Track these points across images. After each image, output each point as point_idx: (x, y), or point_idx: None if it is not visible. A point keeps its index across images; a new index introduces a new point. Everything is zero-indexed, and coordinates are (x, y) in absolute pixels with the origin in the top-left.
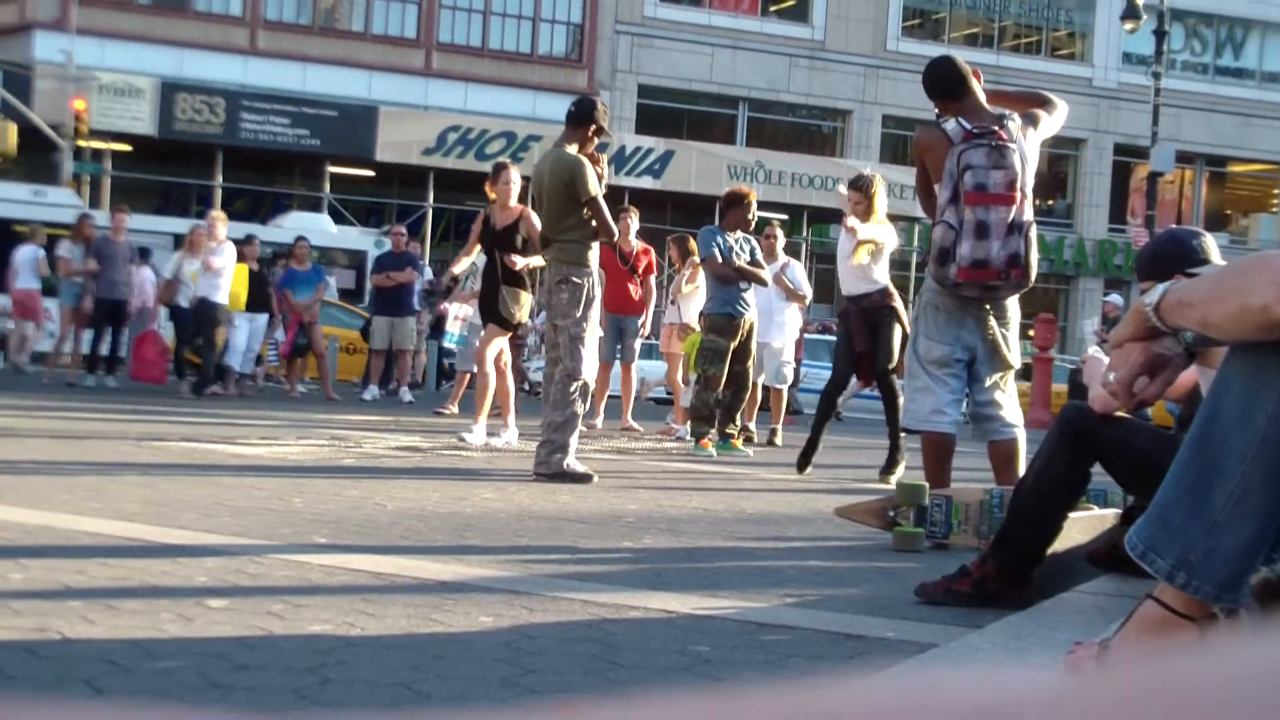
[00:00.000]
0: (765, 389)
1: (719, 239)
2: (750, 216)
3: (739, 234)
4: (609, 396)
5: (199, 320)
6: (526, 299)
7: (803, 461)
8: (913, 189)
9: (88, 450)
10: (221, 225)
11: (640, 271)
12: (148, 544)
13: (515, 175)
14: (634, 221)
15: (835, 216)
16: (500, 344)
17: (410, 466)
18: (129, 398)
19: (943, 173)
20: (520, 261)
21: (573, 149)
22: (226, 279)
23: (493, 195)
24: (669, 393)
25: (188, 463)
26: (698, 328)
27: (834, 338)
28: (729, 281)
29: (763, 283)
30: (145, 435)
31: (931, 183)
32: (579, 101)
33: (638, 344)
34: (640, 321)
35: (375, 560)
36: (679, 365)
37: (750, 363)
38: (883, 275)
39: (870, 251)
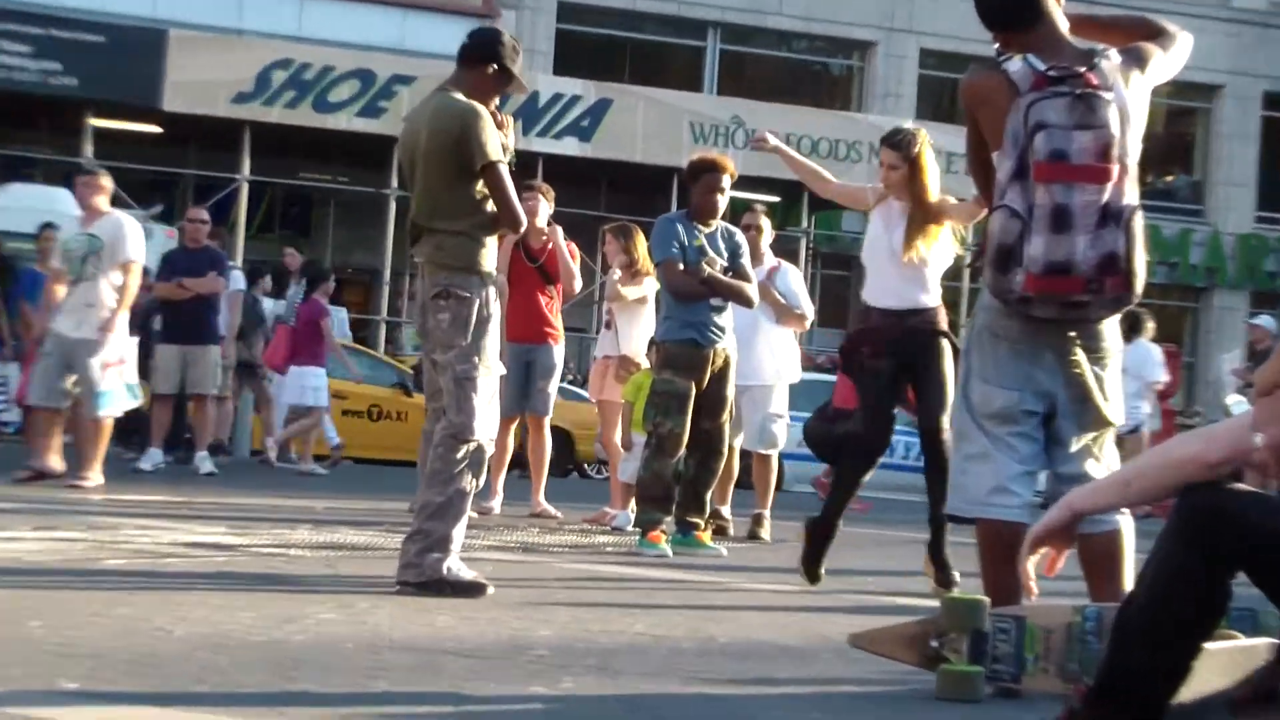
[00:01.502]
0: (745, 455)
1: (682, 233)
2: (720, 196)
3: (716, 225)
4: (512, 465)
5: None
6: None
7: (811, 564)
8: (961, 158)
9: None
10: None
11: (557, 277)
12: None
13: None
14: (544, 205)
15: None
16: None
17: (210, 571)
18: None
19: (1004, 135)
20: None
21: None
22: None
23: None
24: (602, 461)
25: None
26: (645, 363)
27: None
28: (695, 297)
29: (748, 302)
30: None
31: (988, 149)
32: (477, 33)
33: (554, 387)
34: (555, 350)
35: (154, 715)
36: (618, 420)
37: (726, 417)
38: (935, 287)
39: (927, 241)
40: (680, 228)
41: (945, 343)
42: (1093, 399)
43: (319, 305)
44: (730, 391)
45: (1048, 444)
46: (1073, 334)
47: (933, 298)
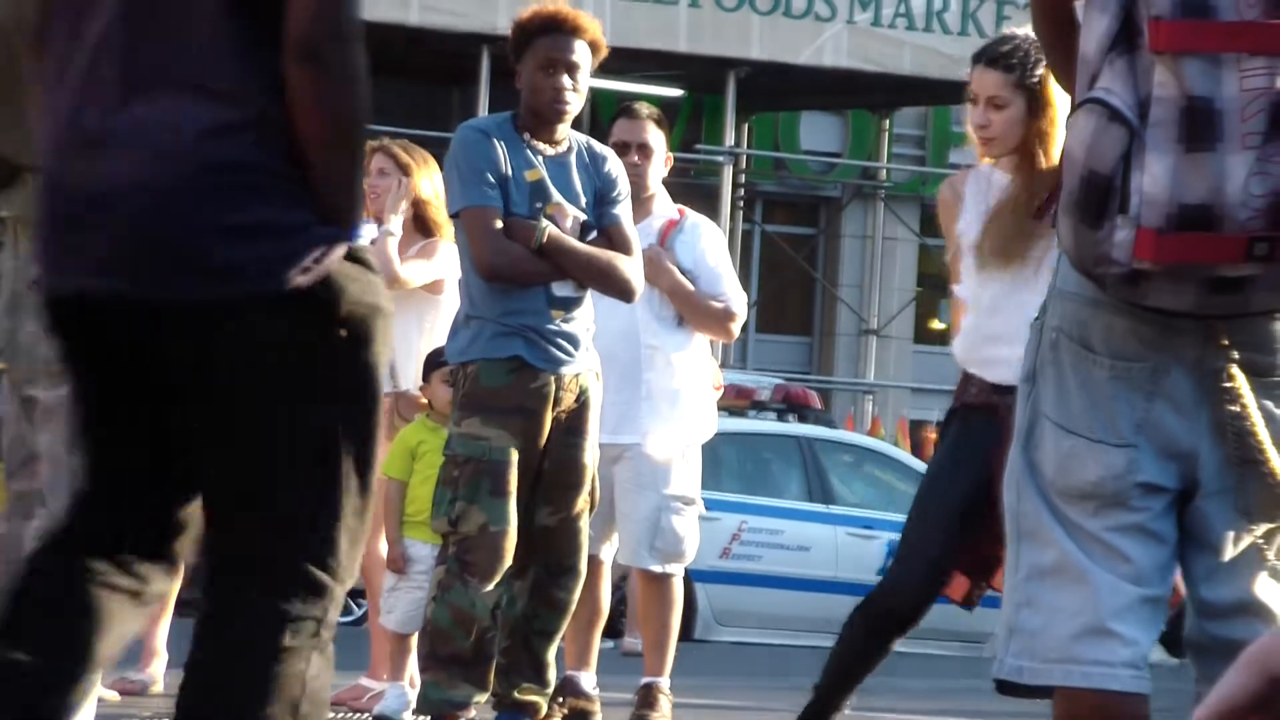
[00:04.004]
0: (620, 575)
1: (502, 157)
2: (571, 80)
3: (570, 141)
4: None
5: None
6: None
7: None
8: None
9: None
10: None
11: None
12: None
13: None
14: None
15: (842, 87)
16: None
17: None
18: None
19: None
20: None
21: None
22: None
23: None
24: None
25: None
26: (433, 402)
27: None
28: (524, 280)
29: (624, 288)
30: None
31: None
32: None
33: None
34: None
35: None
36: (381, 511)
37: (583, 504)
38: None
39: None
40: (498, 147)
41: None
42: (1265, 459)
43: None
44: (591, 456)
45: (1185, 545)
46: (1225, 340)
47: None
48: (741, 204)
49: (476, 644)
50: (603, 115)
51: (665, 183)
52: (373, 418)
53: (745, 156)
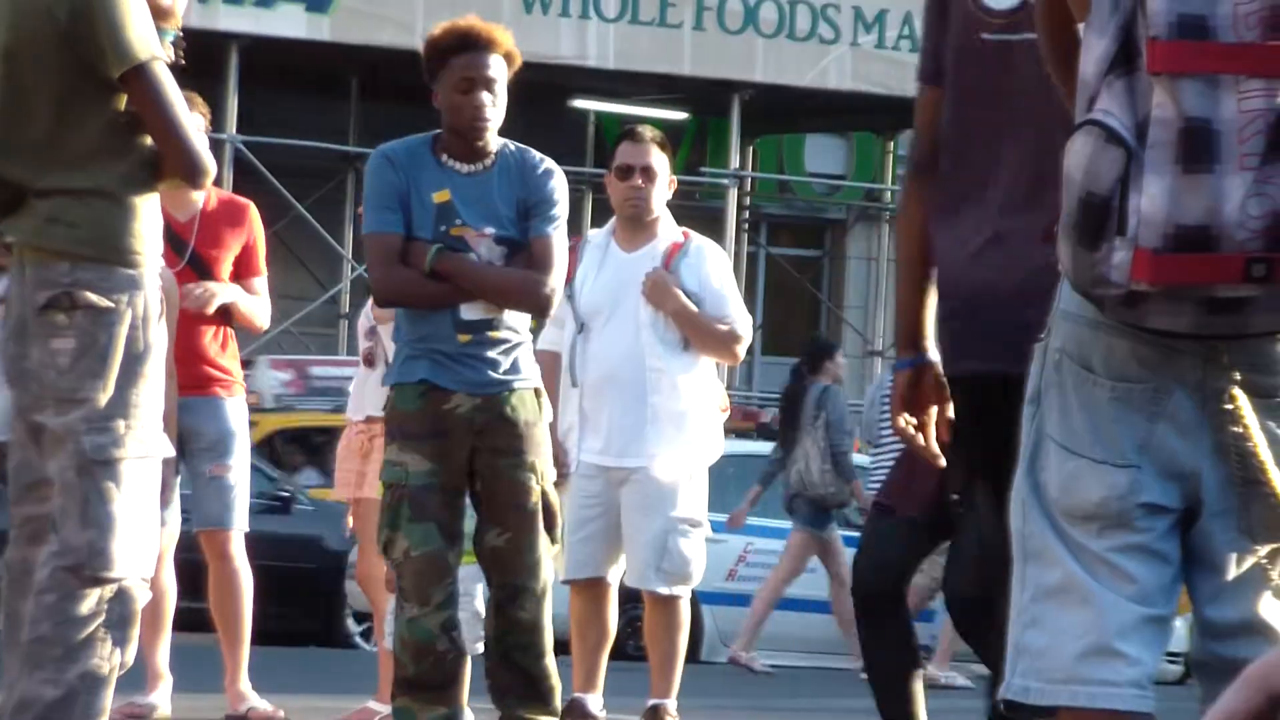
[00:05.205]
0: (633, 599)
1: (404, 180)
2: (486, 95)
3: (495, 155)
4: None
5: None
6: None
7: None
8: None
9: None
10: None
11: (231, 274)
12: None
13: None
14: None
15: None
16: None
17: None
18: None
19: None
20: None
21: None
22: None
23: None
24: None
25: None
26: None
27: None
28: (418, 304)
29: (536, 303)
30: None
31: (1068, 18)
32: None
33: (240, 475)
34: (229, 406)
35: None
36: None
37: (529, 523)
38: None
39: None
40: (402, 170)
41: None
42: (1268, 479)
43: None
44: (533, 475)
45: (1190, 566)
46: (1226, 362)
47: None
48: (746, 227)
49: (432, 667)
50: (607, 138)
51: (670, 206)
52: None
53: (750, 179)
